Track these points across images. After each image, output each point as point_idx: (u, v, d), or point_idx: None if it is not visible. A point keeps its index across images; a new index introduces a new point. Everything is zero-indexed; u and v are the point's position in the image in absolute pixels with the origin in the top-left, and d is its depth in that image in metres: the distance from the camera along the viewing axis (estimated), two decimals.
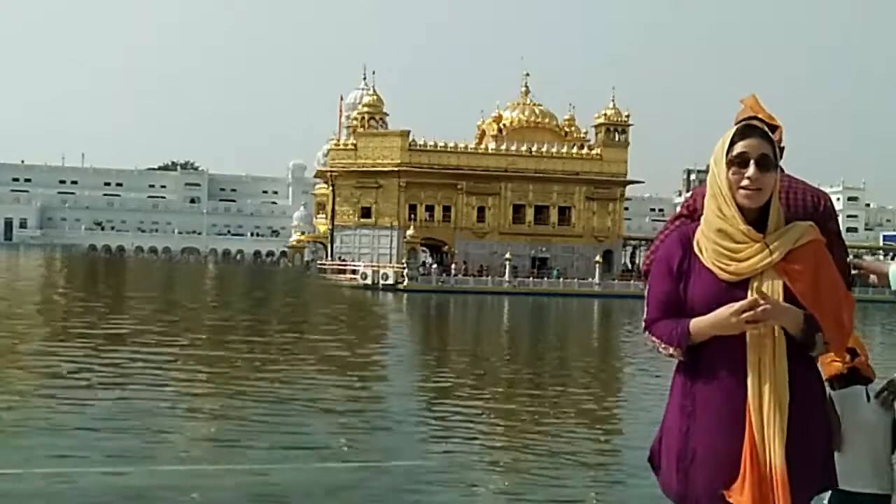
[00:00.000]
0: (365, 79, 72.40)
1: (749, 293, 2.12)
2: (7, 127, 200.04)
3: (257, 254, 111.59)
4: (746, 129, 2.18)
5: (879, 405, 3.02)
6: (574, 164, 63.02)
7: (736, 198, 2.15)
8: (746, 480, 2.08)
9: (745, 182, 2.13)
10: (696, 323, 2.13)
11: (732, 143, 2.17)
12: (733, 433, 2.11)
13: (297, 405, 11.24)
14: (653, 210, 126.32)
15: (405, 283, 50.91)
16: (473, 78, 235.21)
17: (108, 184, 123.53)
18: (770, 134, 2.19)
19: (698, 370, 2.20)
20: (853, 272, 2.50)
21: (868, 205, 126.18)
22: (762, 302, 2.06)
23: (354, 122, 66.27)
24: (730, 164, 2.16)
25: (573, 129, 66.05)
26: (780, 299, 2.10)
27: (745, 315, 2.05)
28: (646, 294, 2.29)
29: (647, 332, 2.24)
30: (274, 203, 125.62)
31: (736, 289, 2.13)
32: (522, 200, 62.46)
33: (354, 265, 56.21)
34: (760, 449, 2.08)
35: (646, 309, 2.26)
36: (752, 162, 2.13)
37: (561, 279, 55.05)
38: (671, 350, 2.18)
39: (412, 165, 60.89)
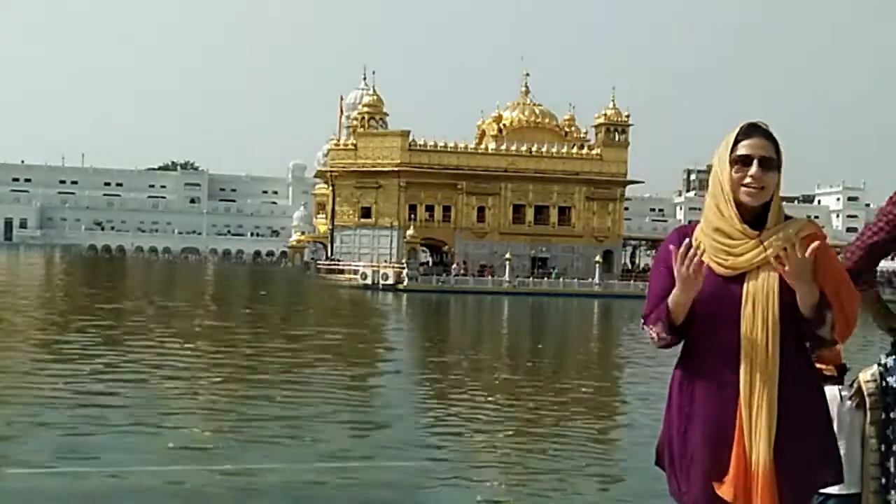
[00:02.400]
0: (365, 79, 72.40)
1: (745, 287, 2.15)
2: (7, 127, 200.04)
3: (257, 254, 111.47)
4: (750, 129, 2.20)
5: (853, 407, 3.04)
6: (574, 164, 63.02)
7: (738, 196, 2.18)
8: (735, 477, 2.11)
9: (747, 180, 2.16)
10: (671, 296, 2.17)
11: (737, 142, 2.19)
12: (728, 432, 2.14)
13: (297, 405, 11.26)
14: (653, 210, 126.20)
15: (405, 283, 50.92)
16: (473, 78, 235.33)
17: (108, 184, 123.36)
18: (774, 135, 2.22)
19: (695, 369, 2.22)
20: None
21: (868, 205, 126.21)
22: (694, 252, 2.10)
23: (354, 122, 66.23)
24: (733, 163, 2.18)
25: (573, 129, 66.02)
26: (776, 293, 2.13)
27: (685, 266, 2.09)
28: (647, 292, 2.33)
29: (644, 326, 2.28)
30: (274, 203, 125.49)
31: (732, 283, 2.16)
32: (522, 200, 62.46)
33: (354, 265, 56.22)
34: (748, 446, 2.11)
35: (645, 305, 2.29)
36: (755, 161, 2.16)
37: (561, 279, 55.08)
38: (659, 331, 2.20)
39: (412, 165, 60.88)
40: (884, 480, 2.81)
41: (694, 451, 2.19)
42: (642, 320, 2.29)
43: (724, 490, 2.13)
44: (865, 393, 3.01)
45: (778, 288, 2.13)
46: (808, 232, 2.18)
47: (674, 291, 2.16)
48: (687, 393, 2.23)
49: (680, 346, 2.28)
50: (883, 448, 2.90)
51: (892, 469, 2.86)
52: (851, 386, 3.11)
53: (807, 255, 2.06)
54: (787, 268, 2.08)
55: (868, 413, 3.00)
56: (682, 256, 2.10)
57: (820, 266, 2.14)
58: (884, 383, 2.94)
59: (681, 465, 2.23)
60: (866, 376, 3.04)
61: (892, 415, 2.82)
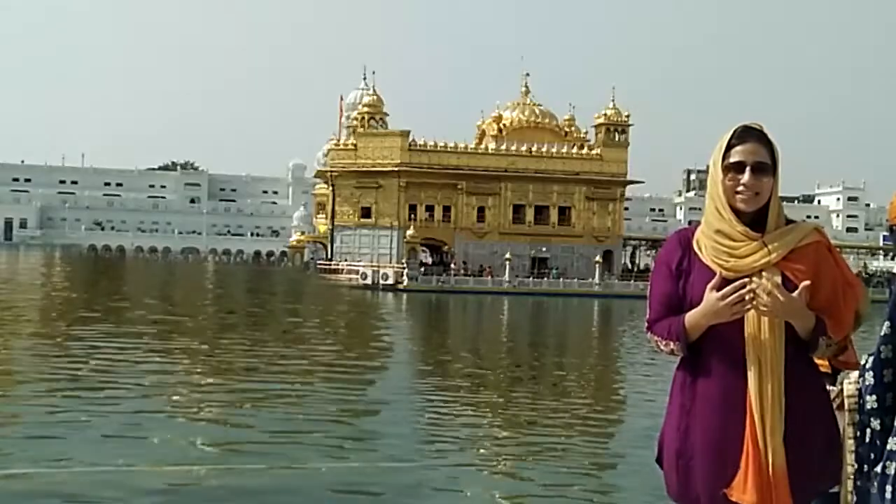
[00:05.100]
0: (365, 79, 72.42)
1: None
2: (7, 127, 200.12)
3: (257, 254, 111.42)
4: (744, 133, 2.18)
5: (836, 407, 3.05)
6: (574, 164, 62.99)
7: (732, 202, 2.16)
8: (749, 478, 2.09)
9: (740, 188, 2.15)
10: (690, 315, 2.15)
11: (730, 147, 2.17)
12: (732, 430, 2.12)
13: (296, 405, 11.26)
14: (653, 210, 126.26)
15: (405, 283, 50.91)
16: (473, 78, 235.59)
17: (108, 184, 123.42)
18: (769, 137, 2.20)
19: (697, 367, 2.21)
20: None
21: (868, 205, 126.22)
22: (756, 286, 2.07)
23: (354, 122, 66.22)
24: (726, 170, 2.17)
25: (573, 129, 65.97)
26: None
27: (730, 299, 2.07)
28: (648, 296, 2.31)
29: (648, 333, 2.26)
30: (274, 203, 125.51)
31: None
32: (522, 200, 62.43)
33: (354, 265, 56.20)
34: (762, 447, 2.09)
35: (648, 310, 2.28)
36: (748, 168, 2.14)
37: (561, 279, 55.06)
38: (671, 346, 2.19)
39: (412, 165, 60.85)
40: (858, 482, 2.83)
41: (694, 451, 2.17)
42: (646, 326, 2.27)
43: (735, 492, 2.10)
44: (846, 394, 3.02)
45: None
46: (811, 239, 2.17)
47: (697, 315, 2.13)
48: (689, 391, 2.22)
49: None
50: (852, 448, 2.92)
51: (855, 466, 2.88)
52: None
53: (797, 294, 2.06)
54: (766, 308, 2.07)
55: (846, 414, 3.01)
56: (735, 290, 2.06)
57: (820, 273, 2.13)
58: (860, 382, 2.96)
59: (680, 464, 2.21)
60: (850, 376, 3.05)
61: (862, 415, 2.83)
